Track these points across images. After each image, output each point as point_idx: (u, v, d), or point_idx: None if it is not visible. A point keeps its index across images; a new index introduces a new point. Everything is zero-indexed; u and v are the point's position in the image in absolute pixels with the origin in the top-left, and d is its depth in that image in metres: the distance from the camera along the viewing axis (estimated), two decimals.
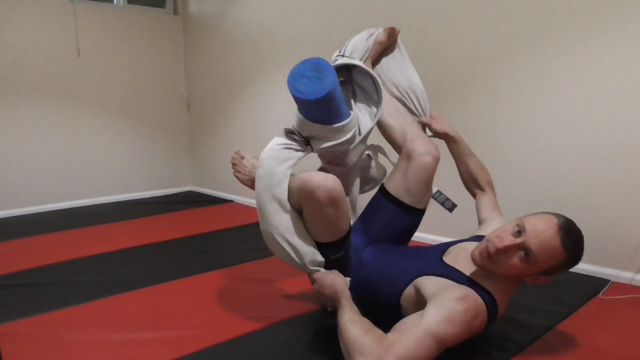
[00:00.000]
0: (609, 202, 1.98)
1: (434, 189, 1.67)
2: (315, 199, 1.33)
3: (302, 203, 1.39)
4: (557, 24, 2.04)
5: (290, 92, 1.37)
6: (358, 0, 2.70)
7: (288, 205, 1.40)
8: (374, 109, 1.62)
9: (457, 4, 2.33)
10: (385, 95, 1.62)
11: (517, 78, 2.18)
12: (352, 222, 1.59)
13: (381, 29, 1.72)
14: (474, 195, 1.71)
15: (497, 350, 1.39)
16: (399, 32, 1.75)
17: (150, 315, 1.67)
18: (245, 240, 2.58)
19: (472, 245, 1.38)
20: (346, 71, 1.67)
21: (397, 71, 1.77)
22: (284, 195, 1.40)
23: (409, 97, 1.75)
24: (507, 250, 1.23)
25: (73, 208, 3.48)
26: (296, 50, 3.10)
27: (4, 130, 3.24)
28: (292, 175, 1.42)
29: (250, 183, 1.62)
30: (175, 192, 4.06)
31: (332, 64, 1.60)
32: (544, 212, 1.28)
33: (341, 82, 1.58)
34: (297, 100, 1.39)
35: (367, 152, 1.75)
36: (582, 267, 2.01)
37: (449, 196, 1.70)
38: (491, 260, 1.26)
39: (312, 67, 1.38)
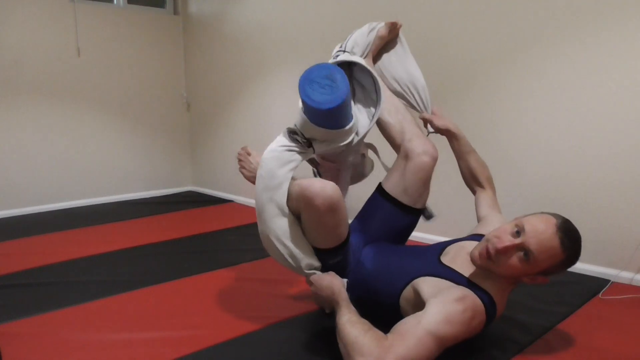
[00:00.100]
0: (609, 202, 1.98)
1: None
2: (314, 207, 1.32)
3: (300, 209, 1.38)
4: (557, 24, 2.04)
5: (301, 97, 1.35)
6: (358, 0, 2.71)
7: (286, 209, 1.40)
8: (373, 108, 1.61)
9: (457, 4, 2.33)
10: (385, 93, 1.61)
11: (517, 78, 2.18)
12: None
13: (382, 23, 1.71)
14: (473, 192, 1.71)
15: (497, 350, 1.39)
16: (400, 26, 1.74)
17: (150, 315, 1.67)
18: (245, 240, 2.58)
19: (470, 244, 1.38)
20: (347, 67, 1.65)
21: (398, 66, 1.75)
22: (283, 198, 1.39)
23: (410, 91, 1.73)
24: (507, 250, 1.23)
25: (73, 208, 3.48)
26: (296, 50, 3.10)
27: (4, 130, 3.24)
28: (292, 178, 1.41)
29: (254, 180, 1.61)
30: (175, 192, 4.06)
31: (333, 60, 1.59)
32: (542, 212, 1.28)
33: None
34: (307, 106, 1.36)
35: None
36: (582, 267, 2.01)
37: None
38: (491, 260, 1.26)
39: (326, 74, 1.36)
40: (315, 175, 1.80)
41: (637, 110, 1.88)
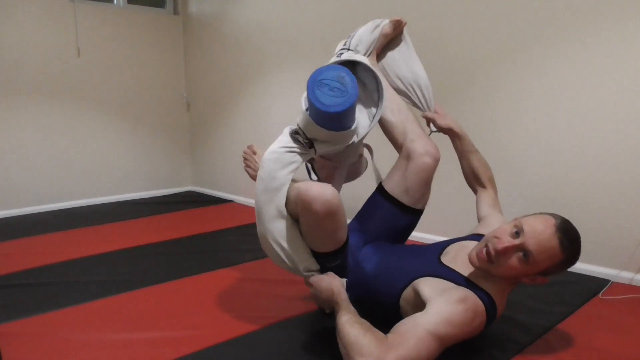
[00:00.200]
0: (609, 202, 1.98)
1: None
2: (312, 211, 1.31)
3: (298, 213, 1.37)
4: (557, 24, 2.04)
5: (309, 98, 1.34)
6: (358, 0, 2.70)
7: (285, 212, 1.40)
8: (373, 109, 1.60)
9: (457, 4, 2.33)
10: (388, 91, 1.60)
11: (517, 78, 2.18)
12: None
13: (387, 21, 1.70)
14: (475, 191, 1.71)
15: (497, 350, 1.39)
16: (405, 24, 1.73)
17: (150, 315, 1.67)
18: (245, 240, 2.58)
19: (470, 244, 1.38)
20: (350, 64, 1.63)
21: (402, 64, 1.74)
22: (282, 201, 1.39)
23: (414, 90, 1.72)
24: (506, 251, 1.23)
25: (73, 208, 3.48)
26: (296, 50, 3.10)
27: (4, 130, 3.24)
28: (292, 180, 1.41)
29: None
30: (175, 192, 4.06)
31: (337, 58, 1.58)
32: (541, 213, 1.28)
33: None
34: (314, 108, 1.35)
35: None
36: (582, 267, 2.01)
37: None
38: (491, 262, 1.26)
39: (335, 76, 1.35)
40: (308, 171, 1.79)
41: (637, 110, 1.88)
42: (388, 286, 1.43)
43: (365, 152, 1.80)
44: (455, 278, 1.33)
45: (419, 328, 1.16)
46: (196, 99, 4.04)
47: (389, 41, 1.75)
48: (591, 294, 1.83)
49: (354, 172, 1.79)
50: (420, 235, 2.39)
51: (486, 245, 1.27)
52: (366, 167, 1.82)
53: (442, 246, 1.49)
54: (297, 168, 1.43)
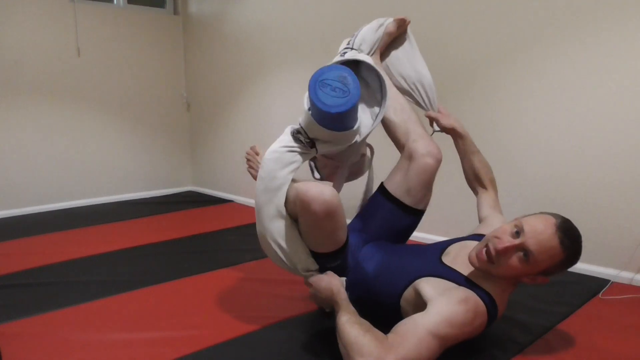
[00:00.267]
0: (609, 202, 1.98)
1: None
2: (311, 212, 1.30)
3: (297, 213, 1.37)
4: (557, 24, 2.04)
5: (311, 98, 1.34)
6: (358, 0, 2.70)
7: (284, 212, 1.39)
8: (376, 108, 1.60)
9: (457, 4, 2.33)
10: (391, 90, 1.60)
11: (517, 78, 2.18)
12: None
13: (391, 19, 1.69)
14: (475, 192, 1.70)
15: (498, 350, 1.39)
16: (409, 22, 1.72)
17: (150, 315, 1.67)
18: (245, 240, 2.58)
19: (471, 244, 1.38)
20: (354, 63, 1.63)
21: (405, 63, 1.74)
22: (281, 200, 1.39)
23: (417, 89, 1.72)
24: (507, 251, 1.23)
25: (73, 208, 3.48)
26: (296, 50, 3.10)
27: (4, 130, 3.24)
28: (292, 180, 1.40)
29: None
30: (175, 192, 4.06)
31: (341, 57, 1.58)
32: (541, 212, 1.28)
33: None
34: (316, 108, 1.35)
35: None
36: (582, 267, 2.01)
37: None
38: (491, 262, 1.25)
39: (337, 77, 1.34)
40: (312, 169, 1.78)
41: (637, 110, 1.88)
42: (388, 286, 1.43)
43: (368, 152, 1.80)
44: (456, 278, 1.33)
45: (420, 328, 1.16)
46: (196, 99, 4.04)
47: (393, 40, 1.75)
48: (591, 294, 1.83)
49: (356, 172, 1.78)
50: (421, 235, 2.39)
51: (486, 245, 1.27)
52: (369, 167, 1.81)
53: (442, 246, 1.49)
54: (298, 168, 1.42)
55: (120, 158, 3.79)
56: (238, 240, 2.61)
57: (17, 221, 3.11)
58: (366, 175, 1.77)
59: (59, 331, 1.56)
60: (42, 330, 1.56)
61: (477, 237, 1.45)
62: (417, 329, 1.16)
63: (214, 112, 3.89)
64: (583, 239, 1.27)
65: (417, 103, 1.74)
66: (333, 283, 1.37)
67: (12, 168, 3.29)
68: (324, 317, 1.60)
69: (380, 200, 1.62)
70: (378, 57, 1.72)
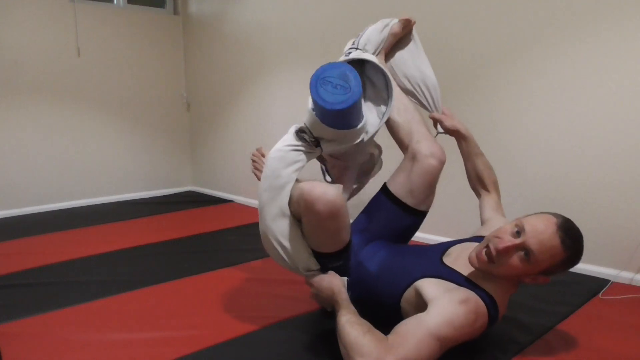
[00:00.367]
0: (609, 202, 1.98)
1: None
2: (315, 212, 1.30)
3: (301, 213, 1.36)
4: (557, 24, 2.04)
5: (312, 96, 1.33)
6: (358, 0, 2.70)
7: (288, 211, 1.39)
8: (383, 107, 1.59)
9: (457, 3, 2.33)
10: (395, 92, 1.60)
11: (517, 78, 2.18)
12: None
13: (396, 20, 1.69)
14: (478, 195, 1.70)
15: (498, 350, 1.39)
16: (414, 23, 1.72)
17: (150, 315, 1.67)
18: (245, 240, 2.58)
19: (473, 245, 1.38)
20: (359, 63, 1.63)
21: (410, 63, 1.73)
22: (285, 199, 1.39)
23: (421, 90, 1.71)
24: (507, 250, 1.23)
25: (73, 208, 3.48)
26: (296, 50, 3.10)
27: (4, 130, 3.24)
28: (296, 180, 1.40)
29: None
30: (175, 192, 4.06)
31: (346, 57, 1.58)
32: (542, 212, 1.28)
33: None
34: (318, 106, 1.35)
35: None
36: (582, 267, 2.00)
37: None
38: (492, 262, 1.25)
39: (338, 74, 1.34)
40: (323, 172, 1.78)
41: (637, 110, 1.88)
42: (389, 286, 1.43)
43: (377, 151, 1.79)
44: (457, 279, 1.33)
45: (420, 329, 1.16)
46: (196, 99, 4.04)
47: (398, 40, 1.74)
48: (591, 294, 1.83)
49: (366, 171, 1.76)
50: (423, 235, 2.39)
51: (487, 246, 1.27)
52: (380, 169, 1.80)
53: (444, 247, 1.49)
54: (302, 167, 1.42)
55: (120, 158, 3.79)
56: (238, 240, 2.61)
57: (17, 221, 3.11)
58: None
59: (59, 331, 1.56)
60: (42, 330, 1.56)
61: (479, 238, 1.44)
62: (417, 330, 1.16)
63: (214, 112, 3.89)
64: (583, 239, 1.27)
65: (421, 104, 1.73)
66: (334, 283, 1.37)
67: (12, 168, 3.29)
68: (324, 317, 1.60)
69: (382, 200, 1.62)
70: (383, 57, 1.71)
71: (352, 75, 1.34)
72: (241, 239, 2.61)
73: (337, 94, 1.32)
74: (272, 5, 3.24)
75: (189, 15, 3.96)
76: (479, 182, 1.68)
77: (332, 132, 1.39)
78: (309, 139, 1.42)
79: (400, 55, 1.74)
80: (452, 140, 1.71)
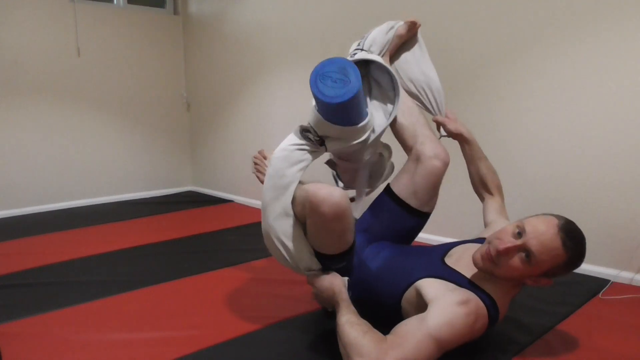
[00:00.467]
0: (609, 202, 1.98)
1: None
2: (320, 213, 1.29)
3: (306, 214, 1.36)
4: (557, 24, 2.04)
5: (312, 91, 1.34)
6: (358, 1, 2.70)
7: (291, 211, 1.39)
8: (389, 106, 1.59)
9: (457, 4, 2.33)
10: (400, 93, 1.60)
11: (517, 78, 2.18)
12: (356, 217, 1.58)
13: (402, 22, 1.68)
14: (482, 198, 1.70)
15: (498, 350, 1.39)
16: (419, 26, 1.71)
17: (150, 315, 1.67)
18: (245, 240, 2.58)
19: (475, 247, 1.37)
20: (364, 64, 1.63)
21: (414, 66, 1.72)
22: (288, 199, 1.39)
23: (425, 93, 1.71)
24: (508, 251, 1.22)
25: (73, 208, 3.48)
26: (296, 50, 3.10)
27: (4, 130, 3.24)
28: (300, 182, 1.40)
29: None
30: (175, 192, 4.06)
31: (351, 58, 1.57)
32: (544, 214, 1.28)
33: None
34: (318, 101, 1.35)
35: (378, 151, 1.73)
36: (582, 267, 1.97)
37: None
38: (493, 262, 1.25)
39: (337, 68, 1.34)
40: (335, 179, 1.78)
41: (637, 110, 1.88)
42: (390, 286, 1.42)
43: (386, 153, 1.78)
44: (458, 279, 1.32)
45: (419, 330, 1.16)
46: (196, 99, 4.04)
47: (403, 43, 1.74)
48: (591, 294, 1.83)
49: (377, 175, 1.75)
50: (426, 236, 2.39)
51: (488, 246, 1.27)
52: (392, 171, 1.78)
53: (446, 248, 1.49)
54: (307, 166, 1.42)
55: (120, 158, 3.79)
56: (238, 240, 2.61)
57: (17, 221, 3.11)
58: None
59: (59, 331, 1.56)
60: (42, 330, 1.56)
61: (481, 240, 1.44)
62: (416, 331, 1.16)
63: (214, 112, 3.89)
64: (586, 240, 1.26)
65: (425, 107, 1.73)
66: (335, 283, 1.37)
67: (12, 168, 3.29)
68: (324, 317, 1.60)
69: (386, 201, 1.61)
70: (387, 59, 1.71)
71: (351, 69, 1.34)
72: (241, 239, 2.61)
73: (337, 87, 1.32)
74: (272, 5, 3.24)
75: (189, 15, 3.96)
76: (482, 186, 1.68)
77: (335, 129, 1.39)
78: (313, 138, 1.41)
79: (404, 58, 1.74)
80: (455, 142, 1.71)
